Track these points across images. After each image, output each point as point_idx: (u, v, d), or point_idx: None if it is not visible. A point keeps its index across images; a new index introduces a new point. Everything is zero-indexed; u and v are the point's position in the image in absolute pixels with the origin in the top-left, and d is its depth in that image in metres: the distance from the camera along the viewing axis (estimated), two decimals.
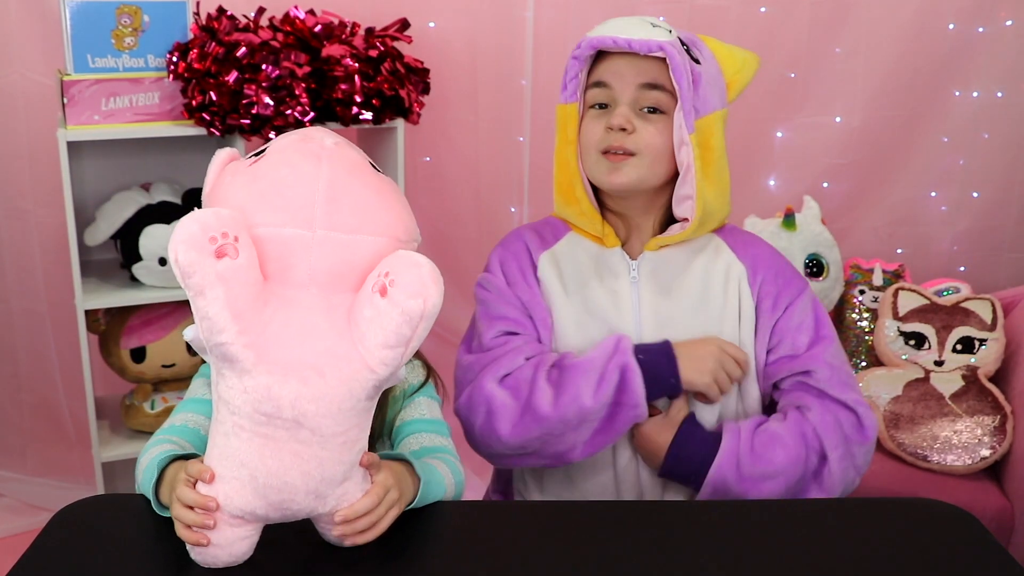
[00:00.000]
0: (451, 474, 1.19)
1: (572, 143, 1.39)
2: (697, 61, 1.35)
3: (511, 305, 1.42)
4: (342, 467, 0.99)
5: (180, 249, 0.90)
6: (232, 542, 0.99)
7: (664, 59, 1.32)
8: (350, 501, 1.02)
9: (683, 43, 1.35)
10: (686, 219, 1.39)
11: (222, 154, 1.03)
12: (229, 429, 0.97)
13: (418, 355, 1.38)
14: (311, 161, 0.96)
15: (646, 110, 1.36)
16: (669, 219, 1.44)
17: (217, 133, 1.99)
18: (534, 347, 1.40)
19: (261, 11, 2.14)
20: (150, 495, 1.09)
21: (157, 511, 1.09)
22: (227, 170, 1.01)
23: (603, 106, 1.38)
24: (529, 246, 1.47)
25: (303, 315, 0.94)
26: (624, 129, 1.34)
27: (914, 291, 2.36)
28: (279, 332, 0.93)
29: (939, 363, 2.27)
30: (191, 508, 0.99)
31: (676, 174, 1.38)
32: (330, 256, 0.95)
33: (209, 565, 1.01)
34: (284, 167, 0.96)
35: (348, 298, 0.96)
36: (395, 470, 1.09)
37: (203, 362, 1.26)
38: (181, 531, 1.00)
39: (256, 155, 1.00)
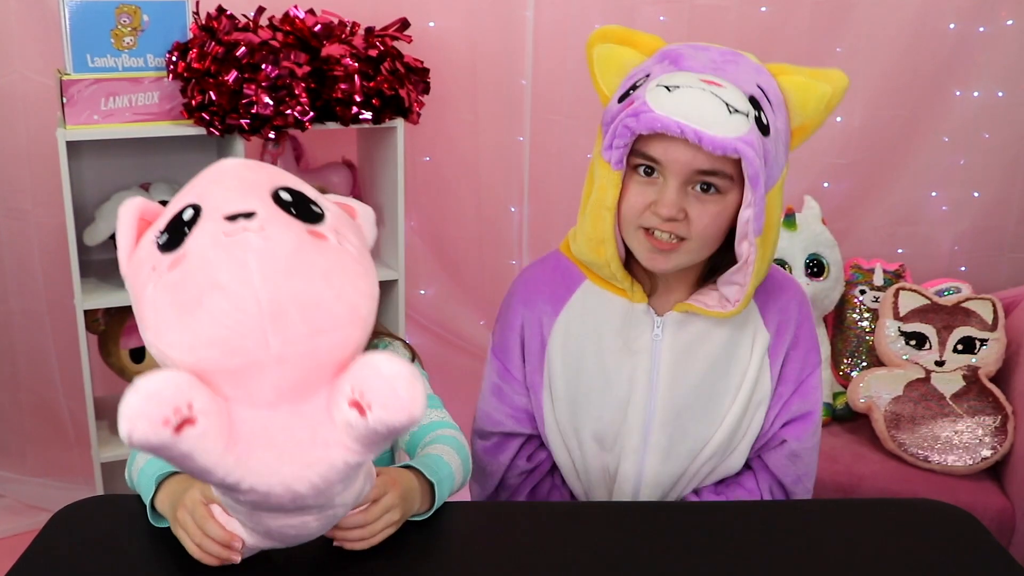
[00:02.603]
0: (458, 458, 1.21)
1: (611, 210, 1.24)
2: (766, 131, 1.18)
3: (518, 394, 1.42)
4: (352, 506, 0.98)
5: (137, 439, 0.80)
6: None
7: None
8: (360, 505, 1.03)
9: (754, 103, 1.18)
10: (727, 300, 1.29)
11: (128, 214, 0.92)
12: (234, 507, 0.95)
13: (398, 338, 1.42)
14: (242, 278, 0.82)
15: (699, 187, 1.21)
16: (706, 267, 1.34)
17: (217, 133, 1.99)
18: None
19: (261, 11, 2.13)
20: (148, 507, 1.09)
21: (153, 522, 1.09)
22: (145, 258, 0.89)
23: (649, 170, 1.22)
24: (543, 319, 1.38)
25: (283, 437, 0.87)
26: (673, 218, 1.21)
27: (915, 291, 2.36)
28: (263, 457, 0.86)
29: (940, 363, 2.27)
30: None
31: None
32: (293, 371, 0.85)
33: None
34: (215, 293, 0.83)
35: (321, 394, 0.88)
36: (404, 485, 1.09)
37: None
38: (196, 553, 1.02)
39: (172, 237, 0.87)
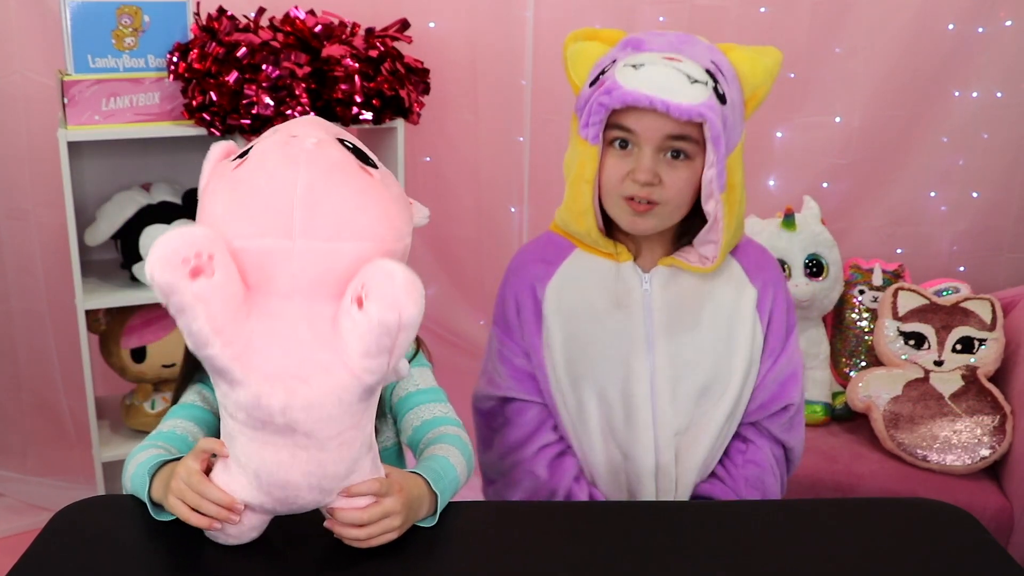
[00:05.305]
0: (462, 458, 1.21)
1: (590, 182, 1.35)
2: (723, 99, 1.30)
3: (517, 357, 1.47)
4: (343, 464, 1.00)
5: (156, 270, 0.88)
6: (242, 532, 1.04)
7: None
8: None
9: (712, 77, 1.29)
10: (706, 257, 1.40)
11: (217, 149, 1.04)
12: (231, 431, 0.99)
13: None
14: (288, 166, 0.94)
15: (670, 155, 1.32)
16: (680, 229, 1.43)
17: (217, 133, 1.99)
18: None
19: (261, 11, 2.14)
20: (146, 500, 1.10)
21: (154, 515, 1.09)
22: (217, 169, 1.01)
23: (624, 143, 1.33)
24: (535, 284, 1.45)
25: (286, 326, 0.94)
26: (650, 183, 1.32)
27: (914, 291, 2.36)
28: (263, 344, 0.93)
29: (939, 363, 2.27)
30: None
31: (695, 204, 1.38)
32: (311, 266, 0.93)
33: (220, 542, 1.05)
34: (261, 174, 0.95)
35: (332, 305, 0.95)
36: (411, 492, 1.08)
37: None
38: (193, 518, 1.02)
39: (243, 154, 1.00)
